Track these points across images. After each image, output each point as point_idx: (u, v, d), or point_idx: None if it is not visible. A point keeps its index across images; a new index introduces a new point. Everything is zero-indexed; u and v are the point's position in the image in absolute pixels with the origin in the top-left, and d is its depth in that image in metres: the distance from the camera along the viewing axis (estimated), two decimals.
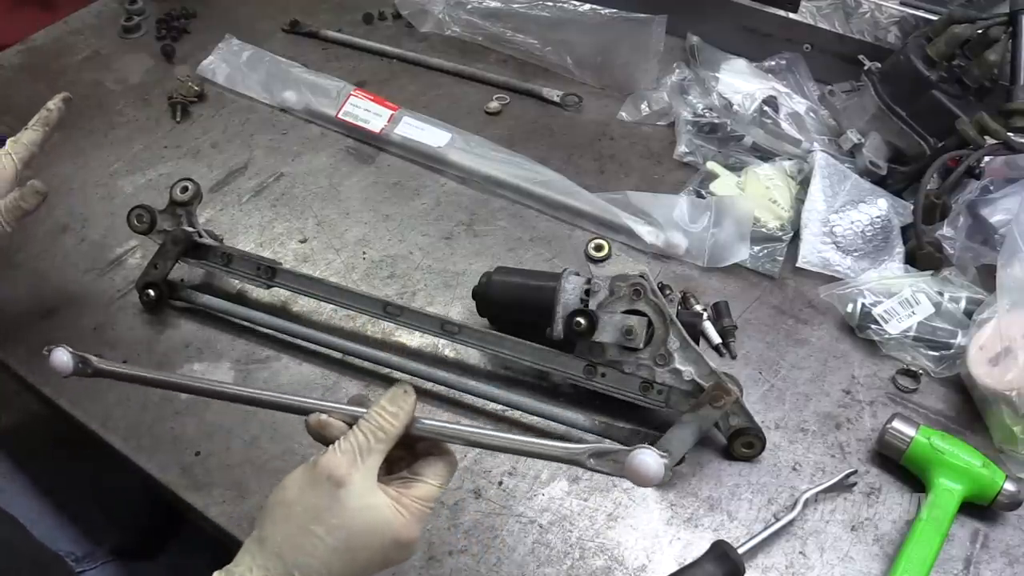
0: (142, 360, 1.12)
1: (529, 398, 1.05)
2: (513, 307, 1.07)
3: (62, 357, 0.84)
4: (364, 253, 1.26)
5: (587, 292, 1.01)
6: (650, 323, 0.99)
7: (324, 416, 0.76)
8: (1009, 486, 0.94)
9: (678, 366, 0.98)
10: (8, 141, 1.08)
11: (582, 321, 0.99)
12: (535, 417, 1.04)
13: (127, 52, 1.63)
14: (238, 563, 0.71)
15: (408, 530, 0.72)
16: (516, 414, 1.05)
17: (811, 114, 1.40)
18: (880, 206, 1.21)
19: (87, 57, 1.62)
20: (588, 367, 1.01)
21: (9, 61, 1.61)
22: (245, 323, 1.15)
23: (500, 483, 1.00)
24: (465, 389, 1.06)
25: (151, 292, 1.15)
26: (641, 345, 0.99)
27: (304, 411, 0.77)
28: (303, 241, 1.28)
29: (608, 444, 0.81)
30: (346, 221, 1.31)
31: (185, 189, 1.16)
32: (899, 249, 1.19)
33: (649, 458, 0.71)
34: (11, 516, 0.91)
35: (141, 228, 1.16)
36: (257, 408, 1.05)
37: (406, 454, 0.77)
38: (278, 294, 1.19)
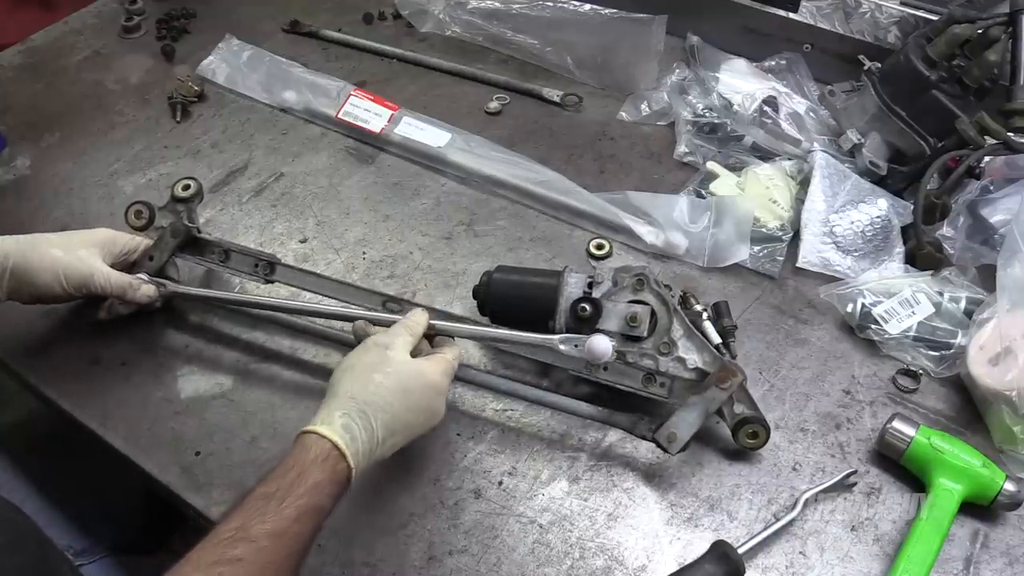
0: (141, 361, 1.12)
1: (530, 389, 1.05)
2: (514, 304, 1.07)
3: (142, 279, 1.10)
4: (364, 253, 1.26)
5: (590, 285, 1.02)
6: (653, 313, 0.99)
7: (366, 322, 1.01)
8: (1009, 486, 0.94)
9: (682, 354, 0.98)
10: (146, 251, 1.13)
11: (587, 307, 0.99)
12: (535, 405, 1.04)
13: (127, 52, 1.63)
14: (319, 415, 0.85)
15: (439, 377, 0.93)
16: (516, 414, 1.06)
17: (811, 114, 1.40)
18: (880, 206, 1.21)
19: (87, 57, 1.62)
20: None
21: (9, 61, 1.61)
22: (243, 309, 1.15)
23: (500, 483, 1.00)
24: (466, 378, 1.06)
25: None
26: (645, 333, 0.99)
27: (352, 318, 1.03)
28: (303, 241, 1.28)
29: (574, 335, 0.98)
30: (346, 221, 1.31)
31: (187, 187, 1.16)
32: (899, 249, 1.19)
33: (600, 340, 0.95)
34: (18, 507, 0.91)
35: (139, 224, 1.15)
36: (256, 409, 1.06)
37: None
38: (278, 292, 1.18)
